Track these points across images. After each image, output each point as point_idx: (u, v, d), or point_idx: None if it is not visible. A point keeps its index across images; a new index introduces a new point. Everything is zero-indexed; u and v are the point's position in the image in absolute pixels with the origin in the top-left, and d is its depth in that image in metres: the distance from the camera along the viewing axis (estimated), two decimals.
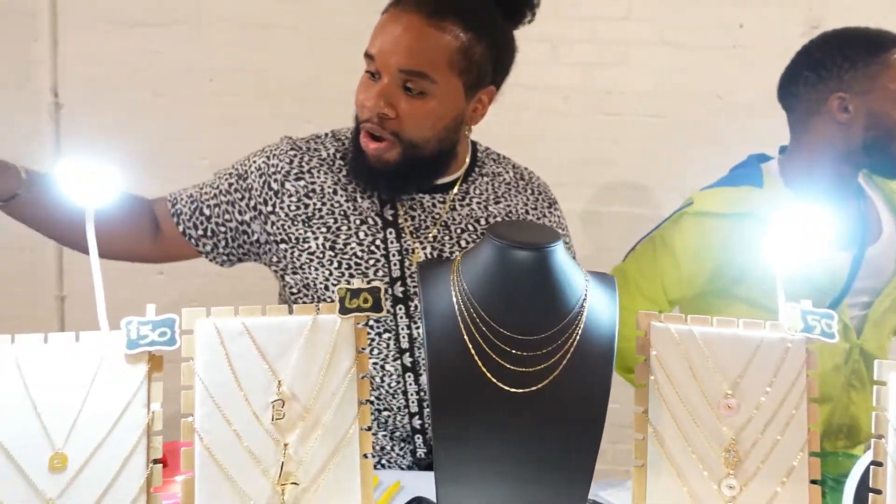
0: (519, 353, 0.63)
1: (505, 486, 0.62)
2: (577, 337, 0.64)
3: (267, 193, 1.10)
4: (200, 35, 2.18)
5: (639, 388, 0.69)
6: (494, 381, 0.63)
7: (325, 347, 0.68)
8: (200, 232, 1.13)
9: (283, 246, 1.10)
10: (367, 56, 1.03)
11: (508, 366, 0.63)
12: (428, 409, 1.13)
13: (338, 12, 2.14)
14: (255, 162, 1.12)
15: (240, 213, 1.12)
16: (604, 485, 1.06)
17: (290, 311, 0.69)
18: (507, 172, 1.21)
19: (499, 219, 1.15)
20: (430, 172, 1.11)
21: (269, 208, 1.10)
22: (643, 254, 1.36)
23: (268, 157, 1.12)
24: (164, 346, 0.65)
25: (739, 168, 1.40)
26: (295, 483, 0.64)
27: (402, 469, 1.16)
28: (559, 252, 0.65)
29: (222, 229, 1.13)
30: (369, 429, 0.68)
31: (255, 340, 0.66)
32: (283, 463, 0.64)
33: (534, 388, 0.63)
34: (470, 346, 0.63)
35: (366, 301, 0.69)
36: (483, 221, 1.14)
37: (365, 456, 0.67)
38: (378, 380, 1.12)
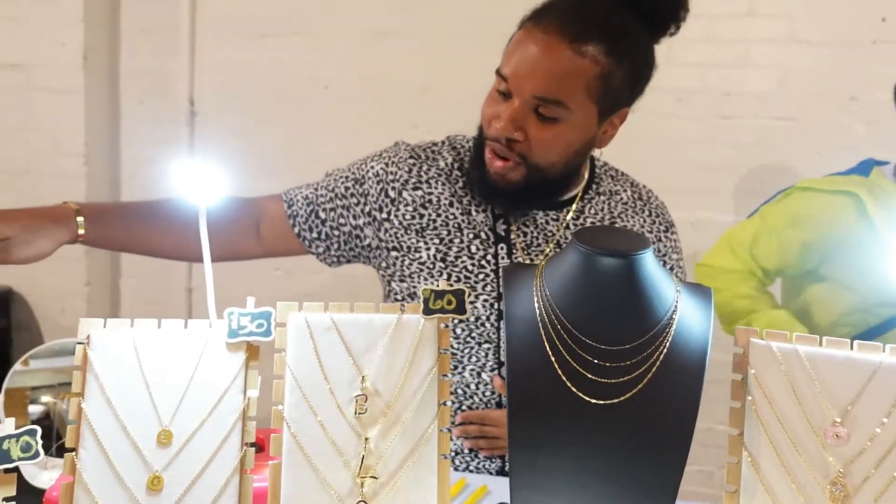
0: (601, 363, 0.61)
1: (584, 497, 0.61)
2: (665, 349, 0.61)
3: (383, 200, 1.11)
4: (319, 44, 2.31)
5: (734, 409, 0.65)
6: (574, 390, 0.61)
7: (408, 346, 0.69)
8: (315, 235, 1.15)
9: (393, 253, 1.11)
10: (499, 75, 1.00)
11: (590, 375, 0.61)
12: None
13: (454, 20, 2.18)
14: (372, 167, 1.12)
15: (354, 217, 1.12)
16: None
17: (377, 310, 0.71)
18: (625, 191, 1.16)
19: None
20: (551, 194, 1.09)
21: (384, 215, 1.11)
22: (747, 221, 1.45)
23: (386, 164, 1.12)
24: (260, 336, 0.70)
25: (852, 168, 1.41)
26: (374, 477, 0.66)
27: (492, 475, 1.16)
28: (648, 260, 0.63)
29: (336, 233, 1.14)
30: (448, 430, 0.69)
31: (342, 336, 0.69)
32: (363, 456, 0.66)
33: (615, 400, 0.60)
34: (550, 353, 0.62)
35: (449, 303, 0.70)
36: None
37: (444, 456, 0.68)
38: (473, 387, 1.13)
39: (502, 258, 1.08)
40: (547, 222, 1.11)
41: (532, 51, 0.96)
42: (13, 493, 0.62)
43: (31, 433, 0.62)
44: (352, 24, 2.26)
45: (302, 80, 2.33)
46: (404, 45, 2.22)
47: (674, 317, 0.62)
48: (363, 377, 0.68)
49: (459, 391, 1.13)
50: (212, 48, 2.40)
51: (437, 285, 0.70)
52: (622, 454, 0.60)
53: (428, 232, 1.09)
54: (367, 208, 1.12)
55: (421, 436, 0.67)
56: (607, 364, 0.61)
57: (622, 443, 0.60)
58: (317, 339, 0.69)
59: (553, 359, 0.62)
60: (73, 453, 0.65)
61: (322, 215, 1.14)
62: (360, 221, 1.13)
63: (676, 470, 0.59)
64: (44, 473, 0.99)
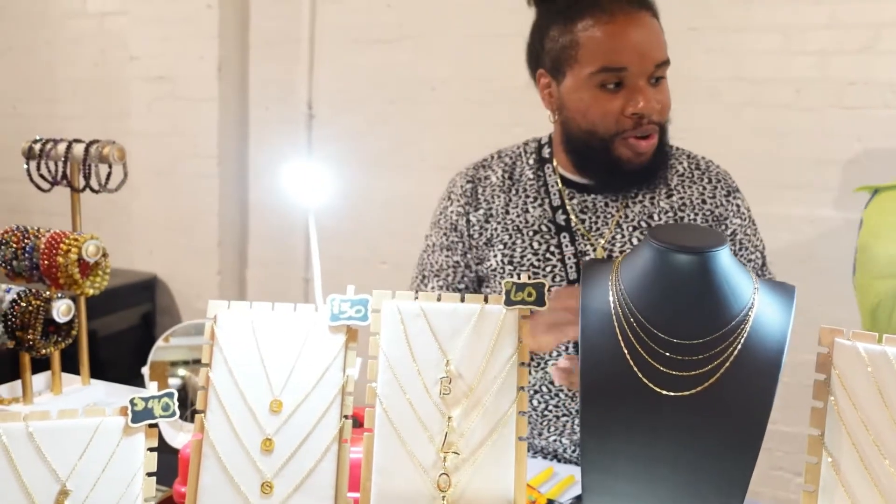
0: (673, 356, 0.63)
1: (652, 484, 0.63)
2: (739, 346, 0.62)
3: (467, 231, 1.20)
4: (426, 48, 2.41)
5: (815, 409, 0.64)
6: (645, 381, 0.63)
7: (490, 334, 0.74)
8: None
9: (479, 268, 1.20)
10: (611, 70, 1.02)
11: (661, 368, 0.63)
12: None
13: None
14: (452, 211, 1.21)
15: (462, 256, 1.21)
16: None
17: (462, 300, 0.77)
18: (681, 164, 1.18)
19: (671, 213, 1.12)
20: (668, 154, 1.14)
21: (472, 242, 1.20)
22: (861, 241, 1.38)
23: (458, 199, 1.21)
24: (358, 321, 0.77)
25: None
26: (456, 452, 0.71)
27: (555, 459, 1.18)
28: (723, 257, 0.64)
29: (462, 283, 1.22)
30: (526, 414, 0.73)
31: (429, 322, 0.75)
32: (446, 433, 0.72)
33: (686, 393, 0.62)
34: (623, 344, 0.65)
35: (530, 295, 0.74)
36: (656, 217, 1.12)
37: (521, 438, 0.72)
38: (557, 384, 1.16)
39: (566, 246, 1.12)
40: (606, 205, 1.14)
41: (636, 31, 1.03)
42: (155, 444, 0.73)
43: (170, 395, 0.74)
44: (456, 27, 2.33)
45: (410, 82, 2.44)
46: (506, 47, 2.26)
47: (749, 313, 0.63)
48: (448, 361, 0.74)
49: (544, 389, 1.16)
50: (328, 56, 2.56)
51: (520, 278, 0.75)
52: (691, 445, 0.61)
53: (494, 241, 1.17)
54: (466, 245, 1.21)
55: (500, 418, 0.72)
56: (679, 357, 0.63)
57: (691, 434, 0.62)
58: (407, 324, 0.76)
59: (625, 350, 0.64)
60: (202, 414, 0.76)
61: (459, 285, 1.21)
62: (467, 257, 1.21)
63: (746, 466, 0.60)
64: (180, 435, 1.14)
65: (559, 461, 1.18)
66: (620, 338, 0.65)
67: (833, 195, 1.99)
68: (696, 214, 1.13)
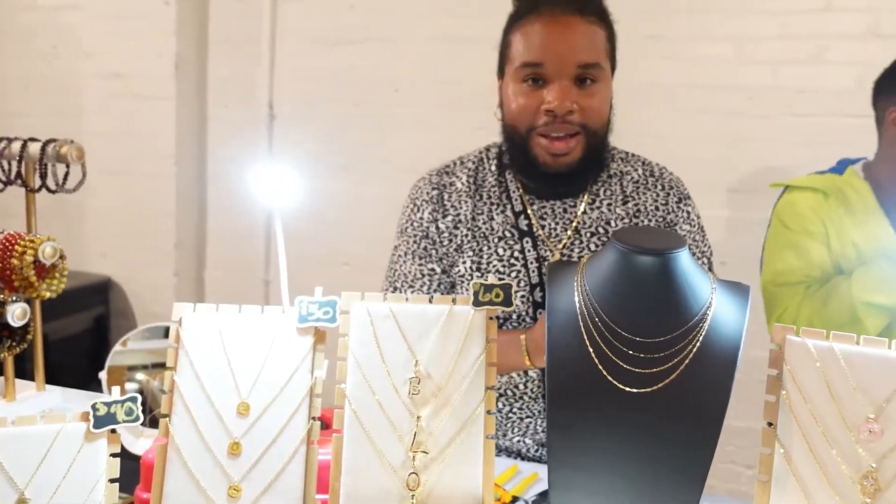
0: (636, 354, 0.65)
1: (617, 478, 0.65)
2: (698, 343, 0.65)
3: (439, 237, 1.20)
4: (390, 50, 2.41)
5: (769, 403, 0.67)
6: (610, 378, 0.65)
7: (458, 335, 0.75)
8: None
9: (450, 272, 1.20)
10: (529, 65, 1.07)
11: (625, 365, 0.65)
12: None
13: None
14: (421, 218, 1.20)
15: (438, 262, 1.21)
16: (726, 499, 1.02)
17: (431, 301, 0.78)
18: (636, 170, 1.21)
19: (626, 219, 1.16)
20: (600, 162, 1.16)
21: (444, 249, 1.20)
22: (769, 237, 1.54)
23: (425, 205, 1.20)
24: (326, 322, 0.78)
25: (832, 167, 1.51)
26: (425, 452, 0.72)
27: (522, 458, 1.21)
28: (683, 258, 0.66)
29: (439, 291, 1.21)
30: (494, 413, 0.74)
31: (398, 323, 0.76)
32: (415, 433, 0.73)
33: (648, 389, 0.64)
34: (588, 344, 0.67)
35: (497, 296, 0.75)
36: (613, 223, 1.15)
37: (489, 437, 0.74)
38: (522, 387, 1.18)
39: (529, 251, 1.15)
40: (565, 210, 1.17)
41: (557, 31, 1.06)
42: (118, 450, 0.72)
43: (133, 399, 0.73)
44: (421, 30, 2.34)
45: (374, 84, 2.44)
46: (470, 50, 2.28)
47: (708, 312, 0.66)
48: (417, 361, 0.75)
49: (509, 392, 1.18)
50: (290, 56, 2.54)
51: (486, 279, 0.76)
52: (653, 440, 0.64)
53: (464, 248, 1.18)
54: (438, 252, 1.21)
55: (469, 417, 0.73)
56: (642, 355, 0.65)
57: (654, 429, 0.64)
58: (376, 325, 0.76)
59: (591, 349, 0.66)
60: (167, 419, 0.75)
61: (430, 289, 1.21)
62: (442, 264, 1.21)
63: (705, 457, 0.63)
64: (140, 441, 1.12)
65: (523, 460, 1.20)
66: (586, 337, 0.67)
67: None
68: (650, 220, 1.17)
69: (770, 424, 0.66)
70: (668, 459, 0.64)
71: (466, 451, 0.73)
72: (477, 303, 0.75)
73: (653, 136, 2.15)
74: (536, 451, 1.20)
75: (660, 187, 1.20)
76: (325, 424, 0.91)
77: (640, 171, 1.21)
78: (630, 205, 1.17)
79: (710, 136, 2.11)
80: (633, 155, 1.24)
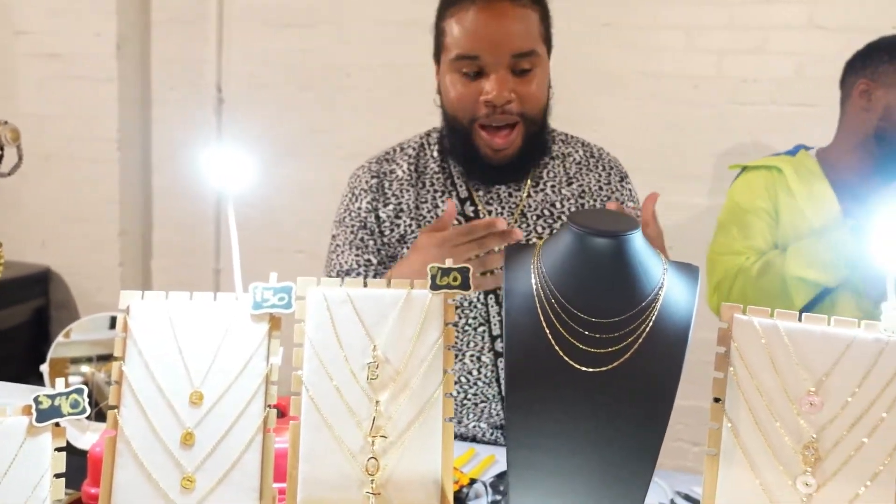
0: (591, 334, 0.66)
1: (573, 456, 0.66)
2: (651, 322, 0.66)
3: (379, 227, 1.18)
4: (342, 34, 2.37)
5: (717, 378, 0.69)
6: (566, 359, 0.66)
7: (416, 319, 0.75)
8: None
9: (392, 265, 1.18)
10: (464, 58, 1.06)
11: (580, 346, 0.67)
12: None
13: None
14: (359, 208, 1.18)
15: (375, 253, 1.19)
16: (699, 480, 1.05)
17: (389, 285, 0.77)
18: (577, 152, 1.22)
19: (571, 200, 1.17)
20: (540, 149, 1.16)
21: (384, 239, 1.18)
22: (722, 213, 1.60)
23: (364, 194, 1.18)
24: (282, 309, 0.76)
25: (786, 150, 1.59)
26: (384, 436, 0.72)
27: (482, 441, 1.22)
28: (636, 239, 0.67)
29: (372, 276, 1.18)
30: (452, 396, 0.75)
31: (356, 308, 0.75)
32: (374, 418, 0.73)
33: (603, 369, 0.66)
34: (545, 325, 0.68)
35: (455, 279, 0.76)
36: (558, 205, 1.16)
37: (448, 419, 0.74)
38: (476, 372, 1.19)
39: None
40: (510, 195, 1.17)
41: (491, 20, 1.04)
42: (64, 443, 0.69)
43: (79, 392, 0.70)
44: (373, 13, 2.31)
45: (325, 68, 2.40)
46: (423, 34, 2.26)
47: (660, 292, 0.67)
48: (375, 346, 0.74)
49: (462, 379, 1.19)
50: (239, 37, 2.47)
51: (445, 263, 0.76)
52: (608, 418, 0.65)
53: (408, 237, 1.16)
54: (377, 242, 1.19)
55: (427, 400, 0.74)
56: (597, 335, 0.66)
57: (609, 408, 0.65)
58: (333, 311, 0.75)
59: (547, 330, 0.67)
60: (116, 410, 0.73)
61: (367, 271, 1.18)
62: (380, 255, 1.19)
63: (657, 434, 0.64)
64: (86, 435, 1.08)
65: (479, 444, 1.21)
66: (542, 318, 0.68)
67: (729, 184, 2.14)
68: (595, 200, 1.19)
69: (717, 400, 0.69)
70: (622, 437, 0.65)
71: (425, 435, 0.73)
72: (434, 286, 0.75)
73: (604, 123, 2.19)
74: (492, 434, 1.22)
75: (601, 167, 1.21)
76: (282, 413, 0.89)
77: (581, 153, 1.22)
78: (574, 186, 1.18)
79: (659, 123, 2.16)
80: (572, 137, 1.25)
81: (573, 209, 1.17)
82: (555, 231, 1.15)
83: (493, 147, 1.08)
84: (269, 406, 0.75)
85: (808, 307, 1.42)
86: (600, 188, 1.19)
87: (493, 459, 1.11)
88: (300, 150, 2.42)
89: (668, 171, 2.16)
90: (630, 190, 1.23)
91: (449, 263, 0.76)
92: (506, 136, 1.08)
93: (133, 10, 2.48)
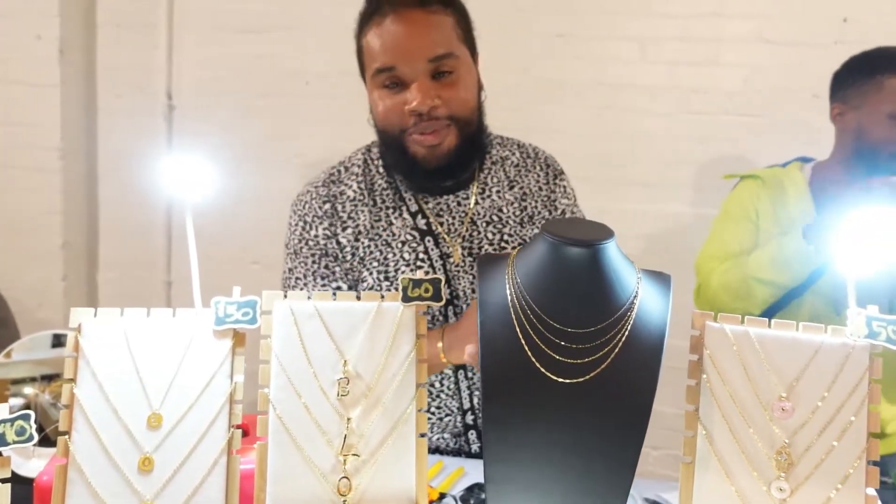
0: (568, 345, 0.66)
1: (551, 469, 0.65)
2: (626, 332, 0.66)
3: (341, 252, 1.14)
4: (300, 40, 2.32)
5: (690, 386, 0.70)
6: (543, 370, 0.65)
7: (388, 332, 0.73)
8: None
9: (354, 288, 1.16)
10: (383, 71, 1.05)
11: (557, 357, 0.66)
12: (479, 405, 1.17)
13: None
14: (317, 236, 1.14)
15: (343, 279, 1.15)
16: (667, 486, 1.06)
17: (358, 298, 0.75)
18: (514, 154, 1.23)
19: (515, 204, 1.18)
20: (479, 147, 1.15)
21: (347, 264, 1.15)
22: (718, 219, 1.64)
23: (318, 221, 1.14)
24: (246, 324, 0.73)
25: (786, 161, 1.64)
26: (356, 454, 0.70)
27: (448, 453, 1.20)
28: (611, 249, 0.67)
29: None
30: (425, 410, 0.73)
31: (325, 322, 0.73)
32: (345, 435, 0.70)
33: (581, 380, 0.65)
34: (520, 336, 0.67)
35: (427, 291, 0.74)
36: (505, 210, 1.17)
37: (421, 435, 0.72)
38: (437, 385, 1.17)
39: (432, 249, 1.13)
40: (458, 203, 1.16)
41: (403, 29, 1.04)
42: (8, 474, 0.64)
43: (26, 417, 0.65)
44: (332, 19, 2.27)
45: (283, 75, 2.35)
46: None
47: (635, 301, 0.67)
48: (345, 361, 0.72)
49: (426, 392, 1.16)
50: (190, 43, 2.40)
51: (416, 273, 0.75)
52: (586, 429, 0.64)
53: (367, 259, 1.14)
54: (342, 268, 1.15)
55: (400, 416, 0.71)
56: (573, 346, 0.66)
57: (586, 419, 0.65)
58: (301, 325, 0.72)
59: (523, 341, 0.66)
60: (67, 436, 0.68)
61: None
62: (348, 279, 1.15)
63: (636, 443, 0.64)
64: (30, 462, 1.01)
65: (442, 455, 1.20)
66: (518, 329, 0.67)
67: (682, 192, 2.19)
68: (536, 201, 1.19)
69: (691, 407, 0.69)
70: (600, 447, 0.65)
71: (399, 452, 0.71)
72: (406, 298, 0.74)
73: (561, 132, 2.21)
74: (455, 442, 1.20)
75: (538, 167, 1.22)
76: (245, 433, 0.86)
77: (518, 154, 1.23)
78: (516, 189, 1.19)
79: (614, 132, 2.19)
80: (507, 139, 1.25)
81: (518, 213, 1.17)
82: (504, 237, 1.15)
83: (425, 145, 1.07)
84: (234, 426, 0.71)
85: (774, 310, 1.48)
86: (539, 188, 1.20)
87: (461, 472, 1.09)
88: (257, 159, 2.37)
89: (623, 179, 2.20)
90: (564, 186, 1.24)
91: (420, 275, 0.74)
92: (436, 134, 1.07)
93: (77, 12, 2.38)
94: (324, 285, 1.14)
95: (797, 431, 0.66)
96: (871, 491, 0.64)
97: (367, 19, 1.09)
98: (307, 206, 1.17)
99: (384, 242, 1.14)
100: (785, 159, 1.63)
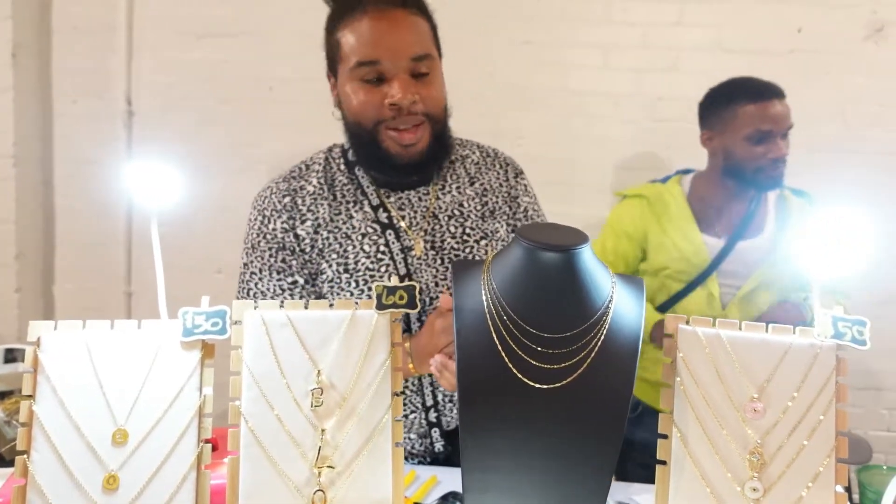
0: (544, 350, 0.66)
1: (529, 476, 0.65)
2: (602, 336, 0.66)
3: (299, 245, 1.14)
4: (264, 45, 2.29)
5: (665, 389, 0.70)
6: (520, 376, 0.65)
7: (362, 340, 0.72)
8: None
9: (317, 281, 1.15)
10: (366, 64, 1.07)
11: (534, 362, 0.66)
12: (442, 401, 1.18)
13: None
14: (274, 229, 1.14)
15: (300, 273, 1.14)
16: (639, 489, 1.07)
17: (331, 306, 0.73)
18: (474, 153, 1.27)
19: (476, 199, 1.21)
20: (448, 145, 1.18)
21: (305, 256, 1.15)
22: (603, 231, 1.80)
23: (277, 215, 1.14)
24: (215, 335, 0.71)
25: (667, 176, 1.83)
26: (331, 467, 0.68)
27: (425, 464, 1.19)
28: (586, 253, 0.68)
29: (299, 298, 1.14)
30: (402, 419, 0.72)
31: (297, 331, 0.71)
32: (320, 447, 0.69)
33: (558, 385, 0.65)
34: (497, 342, 0.66)
35: (401, 298, 0.73)
36: (466, 204, 1.20)
37: (397, 445, 0.71)
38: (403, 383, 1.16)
39: (393, 243, 1.14)
40: (420, 199, 1.18)
41: (387, 26, 1.07)
42: None
43: None
44: (296, 25, 2.25)
45: (246, 80, 2.31)
46: None
47: (610, 306, 0.67)
48: (319, 371, 0.70)
49: None
50: (151, 47, 2.34)
51: (390, 281, 0.74)
52: (564, 434, 0.64)
53: (326, 252, 1.14)
54: (300, 261, 1.15)
55: (375, 426, 0.70)
56: (550, 351, 0.65)
57: (564, 424, 0.64)
58: (272, 335, 0.71)
59: (500, 347, 0.66)
60: (25, 456, 0.65)
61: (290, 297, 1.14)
62: (304, 274, 1.15)
63: (613, 447, 0.64)
64: None
65: (408, 458, 1.19)
66: (495, 335, 0.66)
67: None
68: (497, 197, 1.22)
69: (666, 411, 0.69)
70: (579, 453, 0.65)
71: (374, 463, 0.70)
72: (380, 306, 0.73)
73: (527, 137, 2.23)
74: (420, 444, 1.19)
75: (498, 166, 1.26)
76: (215, 447, 0.83)
77: (478, 154, 1.27)
78: (477, 185, 1.22)
79: (580, 139, 2.22)
80: (466, 140, 1.29)
81: (479, 207, 1.20)
82: (467, 230, 1.17)
83: (402, 143, 1.10)
84: (203, 441, 0.69)
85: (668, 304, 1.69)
86: (500, 185, 1.24)
87: (434, 481, 1.08)
88: (220, 165, 2.32)
89: (589, 183, 2.23)
90: (525, 185, 1.28)
91: (395, 282, 0.73)
92: (414, 132, 1.10)
93: (31, 14, 2.30)
94: (279, 279, 1.14)
95: (769, 432, 0.67)
96: (840, 488, 0.66)
97: (342, 15, 1.11)
98: (266, 200, 1.18)
99: (344, 235, 1.14)
100: None
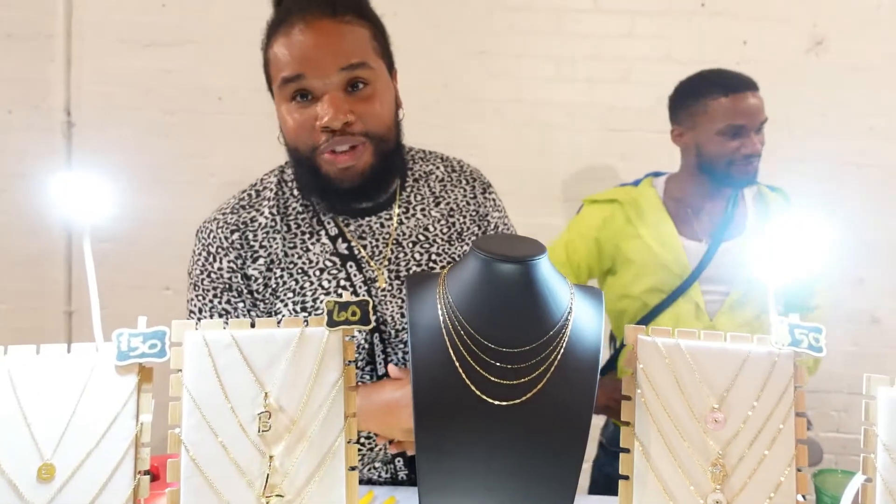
0: (503, 365, 0.63)
1: (489, 497, 0.62)
2: (562, 349, 0.64)
3: (248, 286, 1.06)
4: (211, 54, 2.23)
5: (626, 402, 0.69)
6: (478, 393, 0.63)
7: (312, 360, 0.68)
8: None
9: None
10: (290, 80, 0.97)
11: (493, 378, 0.63)
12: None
13: None
14: (220, 269, 1.06)
15: (246, 315, 1.07)
16: (602, 501, 1.05)
17: (279, 324, 0.70)
18: (438, 168, 1.18)
19: (442, 221, 1.13)
20: (397, 166, 1.09)
21: (257, 297, 1.07)
22: (561, 235, 1.72)
23: (223, 252, 1.06)
24: (154, 357, 0.66)
25: (637, 179, 1.76)
26: (280, 495, 0.64)
27: (382, 483, 1.15)
28: (544, 264, 0.66)
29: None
30: (356, 441, 0.68)
31: (242, 352, 0.67)
32: (268, 475, 0.64)
33: (517, 401, 0.63)
34: (454, 358, 0.64)
35: (354, 314, 0.70)
36: (431, 228, 1.11)
37: (351, 468, 0.68)
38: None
39: (355, 275, 1.07)
40: (381, 225, 1.10)
41: (312, 38, 0.97)
42: None
43: None
44: (244, 33, 2.19)
45: (192, 90, 2.24)
46: None
47: (569, 318, 0.66)
48: (266, 393, 0.66)
49: None
50: (91, 56, 2.25)
51: (341, 297, 0.70)
52: (525, 452, 0.62)
53: (281, 291, 1.06)
54: (248, 303, 1.08)
55: (328, 449, 0.67)
56: (508, 366, 0.63)
57: (524, 441, 0.62)
58: (216, 356, 0.67)
59: (457, 363, 0.63)
60: None
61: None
62: (253, 315, 1.07)
63: (575, 464, 0.62)
64: None
65: (373, 486, 1.14)
66: (451, 351, 0.64)
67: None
68: (465, 216, 1.15)
69: (627, 423, 0.68)
70: (540, 470, 0.62)
71: (327, 488, 0.66)
72: (332, 323, 0.69)
73: (482, 148, 2.22)
74: (386, 471, 1.15)
75: (465, 181, 1.18)
76: (155, 477, 0.78)
77: (443, 169, 1.18)
78: (443, 205, 1.14)
79: (534, 149, 2.23)
80: (430, 152, 1.20)
81: (446, 230, 1.12)
82: (433, 256, 1.10)
83: (337, 165, 1.00)
84: (141, 472, 0.64)
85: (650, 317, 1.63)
86: (467, 203, 1.16)
87: (392, 501, 1.04)
88: (166, 178, 2.24)
89: (544, 193, 2.23)
90: (494, 199, 1.20)
91: (347, 297, 0.70)
92: (350, 154, 0.99)
93: None
94: (225, 323, 1.05)
95: (730, 442, 0.66)
96: (801, 497, 0.65)
97: (274, 29, 1.01)
98: (212, 234, 1.08)
99: (300, 271, 1.06)
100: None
